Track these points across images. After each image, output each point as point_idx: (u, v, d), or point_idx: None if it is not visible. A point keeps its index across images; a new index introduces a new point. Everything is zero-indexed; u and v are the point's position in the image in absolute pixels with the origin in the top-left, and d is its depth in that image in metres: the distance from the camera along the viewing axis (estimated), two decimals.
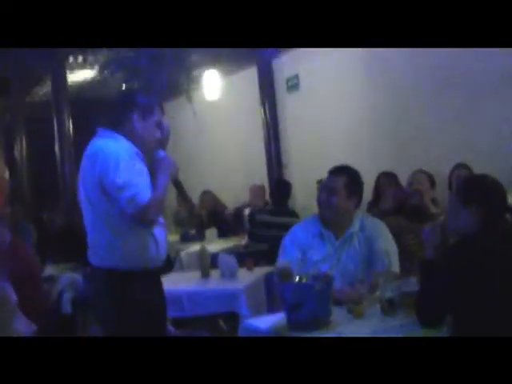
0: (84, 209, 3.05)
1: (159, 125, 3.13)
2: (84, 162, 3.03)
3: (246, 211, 7.23)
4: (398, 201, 4.95)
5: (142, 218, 2.91)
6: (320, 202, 3.56)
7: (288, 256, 3.45)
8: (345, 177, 3.51)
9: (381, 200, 5.55)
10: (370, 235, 3.51)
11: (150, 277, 3.05)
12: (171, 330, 3.37)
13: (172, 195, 9.10)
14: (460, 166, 5.33)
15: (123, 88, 7.07)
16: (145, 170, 3.01)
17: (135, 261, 2.99)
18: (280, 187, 6.91)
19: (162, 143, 3.17)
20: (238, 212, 7.73)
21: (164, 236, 3.13)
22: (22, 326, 1.62)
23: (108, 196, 2.91)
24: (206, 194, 8.32)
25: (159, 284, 3.16)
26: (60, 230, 7.11)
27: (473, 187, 2.65)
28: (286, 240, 3.60)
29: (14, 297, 1.62)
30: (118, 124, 3.09)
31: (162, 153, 3.12)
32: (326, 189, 3.55)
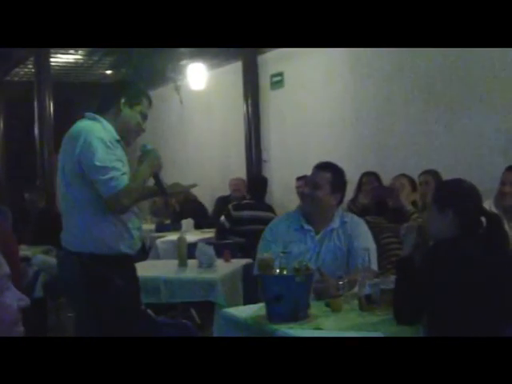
0: (61, 191, 3.08)
1: (144, 116, 3.18)
2: (66, 142, 3.04)
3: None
4: (376, 196, 5.04)
5: (116, 203, 2.93)
6: (303, 196, 3.62)
7: (268, 248, 3.48)
8: (330, 173, 3.57)
9: (360, 196, 5.66)
10: (350, 233, 3.57)
11: (122, 263, 3.07)
12: (149, 313, 3.38)
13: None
14: (426, 172, 5.43)
15: (110, 73, 7.10)
16: (124, 157, 3.05)
17: (107, 246, 3.00)
18: (256, 182, 6.96)
19: (138, 134, 3.22)
20: (219, 203, 7.75)
21: (138, 225, 3.16)
22: (14, 299, 1.62)
23: (85, 177, 2.93)
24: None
25: (132, 270, 3.18)
26: (37, 211, 7.07)
27: (448, 191, 2.72)
28: (267, 232, 3.65)
29: (6, 268, 1.62)
30: (105, 109, 3.12)
31: (149, 146, 3.16)
32: (310, 183, 3.61)
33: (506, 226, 3.73)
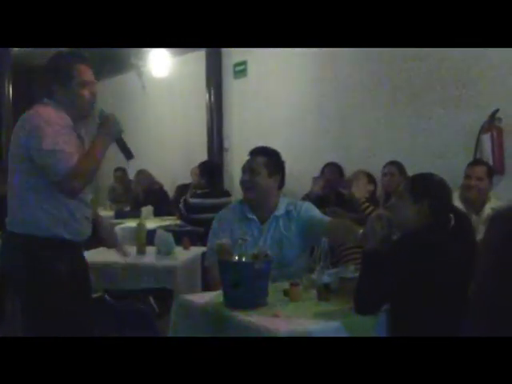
0: (9, 174, 3.02)
1: (84, 83, 3.04)
2: (16, 127, 3.00)
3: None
4: (329, 186, 5.08)
5: (66, 186, 2.89)
6: (242, 183, 3.63)
7: (216, 237, 3.51)
8: (264, 157, 3.61)
9: (314, 186, 5.67)
10: (297, 217, 3.60)
11: (66, 248, 3.00)
12: (107, 298, 3.35)
13: (109, 171, 8.99)
14: (390, 164, 5.48)
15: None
16: (73, 138, 2.98)
17: (48, 230, 2.94)
18: (211, 169, 6.95)
19: (91, 103, 3.09)
20: (179, 191, 7.72)
21: (86, 213, 3.09)
22: None
23: (33, 161, 2.88)
24: (142, 173, 8.29)
25: (77, 256, 3.12)
26: None
27: (424, 183, 2.74)
28: (215, 222, 3.68)
29: None
30: (49, 92, 3.06)
31: (104, 112, 3.06)
32: (247, 170, 3.63)
33: (473, 219, 3.80)
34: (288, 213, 3.61)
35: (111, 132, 3.03)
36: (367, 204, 4.35)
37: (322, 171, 5.99)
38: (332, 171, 6.02)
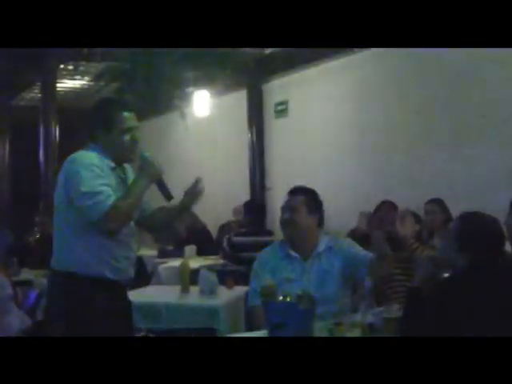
0: (54, 214, 3.08)
1: (128, 130, 3.08)
2: (61, 169, 3.05)
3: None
4: (376, 224, 5.03)
5: (103, 227, 2.91)
6: (283, 222, 3.64)
7: (258, 278, 3.51)
8: (303, 195, 3.63)
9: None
10: (339, 251, 3.59)
11: (108, 286, 3.02)
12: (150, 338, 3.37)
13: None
14: (432, 201, 5.44)
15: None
16: (114, 181, 3.02)
17: (90, 268, 2.96)
18: (255, 208, 6.99)
19: (133, 149, 3.12)
20: (222, 230, 7.76)
21: (126, 254, 3.10)
22: (16, 321, 1.62)
23: (73, 202, 2.92)
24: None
25: (120, 294, 3.13)
26: (38, 235, 7.10)
27: (471, 231, 2.65)
28: (255, 263, 3.69)
29: (10, 290, 1.62)
30: (92, 136, 3.12)
31: (146, 154, 3.08)
32: (286, 209, 3.64)
33: None
34: (329, 249, 3.60)
35: (150, 174, 3.06)
36: (416, 243, 4.30)
37: (378, 209, 5.91)
38: (387, 209, 5.92)
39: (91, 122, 3.16)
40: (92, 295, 2.96)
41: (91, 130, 3.13)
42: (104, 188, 2.90)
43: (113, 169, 3.05)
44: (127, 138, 3.09)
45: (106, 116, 3.10)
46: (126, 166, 3.23)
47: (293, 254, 3.60)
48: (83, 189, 2.87)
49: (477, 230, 2.64)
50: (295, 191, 3.69)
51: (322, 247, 3.60)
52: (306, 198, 3.62)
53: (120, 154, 3.10)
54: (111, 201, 2.89)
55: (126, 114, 3.11)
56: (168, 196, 3.18)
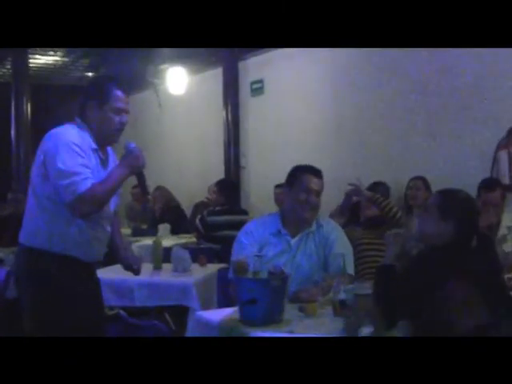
0: (29, 189, 3.03)
1: (118, 110, 3.04)
2: (40, 144, 3.00)
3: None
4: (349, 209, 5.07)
5: (75, 209, 2.87)
6: (309, 203, 3.56)
7: (244, 251, 3.47)
8: (322, 179, 3.64)
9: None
10: (326, 236, 3.59)
11: (76, 264, 2.99)
12: (123, 314, 3.34)
13: (126, 189, 9.02)
14: (416, 178, 5.48)
15: (90, 76, 7.04)
16: (94, 163, 2.97)
17: (57, 245, 2.94)
18: (229, 187, 6.97)
19: (119, 129, 3.08)
20: (196, 209, 7.72)
21: (101, 231, 3.07)
22: None
23: (48, 179, 2.89)
24: (160, 190, 8.30)
25: (88, 273, 3.11)
26: (9, 212, 7.02)
27: (455, 201, 2.67)
28: (242, 235, 3.63)
29: None
30: (82, 110, 3.07)
31: (131, 144, 3.05)
32: (312, 191, 3.58)
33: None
34: (319, 228, 3.62)
35: (133, 165, 3.03)
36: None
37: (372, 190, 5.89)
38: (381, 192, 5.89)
39: (84, 96, 3.10)
40: (56, 273, 2.93)
41: (82, 104, 3.07)
42: (81, 169, 2.86)
43: (94, 150, 3.00)
44: (117, 118, 3.05)
45: (102, 90, 3.05)
46: (109, 150, 3.18)
47: (283, 230, 3.60)
48: (60, 166, 2.83)
49: (457, 201, 2.66)
50: (319, 175, 3.64)
51: (312, 227, 3.61)
52: (323, 183, 3.64)
53: (106, 132, 3.05)
54: (87, 183, 2.84)
55: (121, 94, 3.07)
56: (144, 191, 3.18)
